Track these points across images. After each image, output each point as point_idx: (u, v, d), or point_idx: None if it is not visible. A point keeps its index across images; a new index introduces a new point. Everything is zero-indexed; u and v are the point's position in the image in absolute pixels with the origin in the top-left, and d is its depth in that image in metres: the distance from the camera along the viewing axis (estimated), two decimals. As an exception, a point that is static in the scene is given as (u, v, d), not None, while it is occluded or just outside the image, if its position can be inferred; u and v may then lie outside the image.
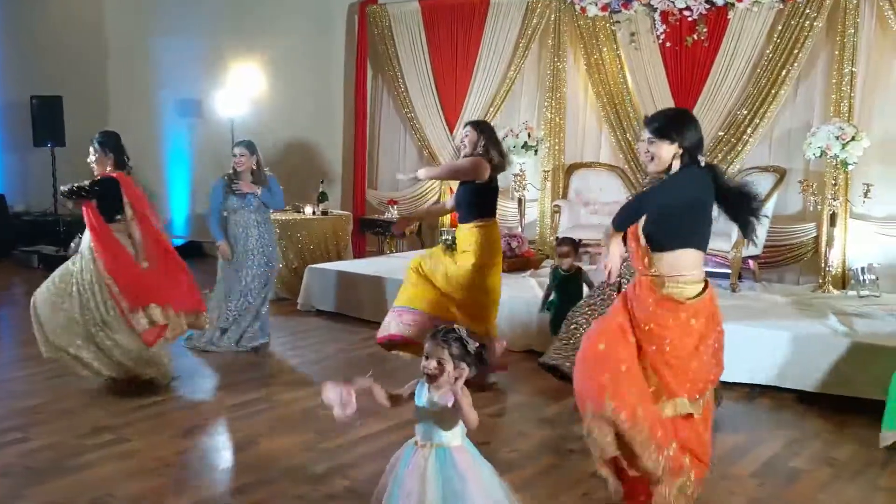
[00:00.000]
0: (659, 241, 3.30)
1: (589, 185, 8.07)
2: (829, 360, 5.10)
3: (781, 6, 7.04)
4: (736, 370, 5.30)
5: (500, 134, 8.03)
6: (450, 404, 2.84)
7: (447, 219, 8.54)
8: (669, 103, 7.34)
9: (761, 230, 6.60)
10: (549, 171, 8.37)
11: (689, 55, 7.51)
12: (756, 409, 5.13)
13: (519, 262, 7.48)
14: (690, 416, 3.34)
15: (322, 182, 8.96)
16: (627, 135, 7.80)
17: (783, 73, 7.04)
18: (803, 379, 5.20)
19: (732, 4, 7.22)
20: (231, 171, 6.30)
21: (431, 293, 5.37)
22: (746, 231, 3.44)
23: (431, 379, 2.87)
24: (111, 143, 5.37)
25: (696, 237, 3.34)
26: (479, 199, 5.33)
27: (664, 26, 7.57)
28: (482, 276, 5.29)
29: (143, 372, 5.22)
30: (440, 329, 2.94)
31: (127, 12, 10.98)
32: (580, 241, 6.58)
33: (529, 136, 7.85)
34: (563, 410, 4.88)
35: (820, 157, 6.41)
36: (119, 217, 5.22)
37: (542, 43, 8.39)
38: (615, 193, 7.73)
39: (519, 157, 7.89)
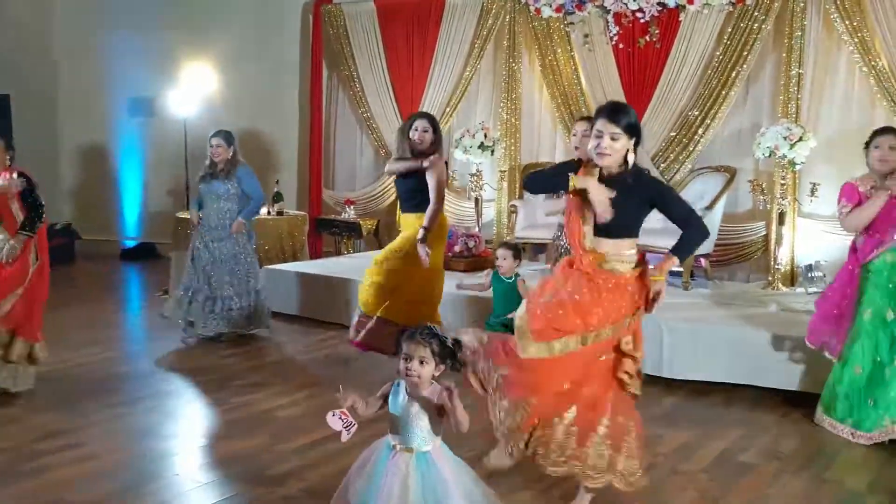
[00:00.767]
0: (615, 230, 3.35)
1: (544, 185, 8.12)
2: (778, 357, 5.21)
3: (731, 9, 7.17)
4: (692, 367, 5.44)
5: (456, 135, 8.14)
6: (435, 399, 2.83)
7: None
8: (623, 104, 7.43)
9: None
10: (505, 172, 8.43)
11: (641, 56, 7.60)
12: (708, 405, 5.22)
13: (476, 262, 7.52)
14: None
15: (277, 182, 8.92)
16: (581, 135, 7.87)
17: (733, 74, 7.17)
18: (755, 375, 5.30)
19: (684, 6, 7.34)
20: (207, 161, 6.25)
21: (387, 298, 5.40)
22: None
23: (413, 380, 2.84)
24: None
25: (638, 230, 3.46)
26: (423, 189, 5.38)
27: (617, 28, 7.67)
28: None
29: None
30: (416, 329, 2.90)
31: (76, 6, 10.73)
32: (524, 247, 6.56)
33: (486, 136, 7.90)
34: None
35: (769, 157, 6.53)
36: None
37: (498, 44, 8.44)
38: (569, 193, 7.79)
39: (475, 157, 7.95)
